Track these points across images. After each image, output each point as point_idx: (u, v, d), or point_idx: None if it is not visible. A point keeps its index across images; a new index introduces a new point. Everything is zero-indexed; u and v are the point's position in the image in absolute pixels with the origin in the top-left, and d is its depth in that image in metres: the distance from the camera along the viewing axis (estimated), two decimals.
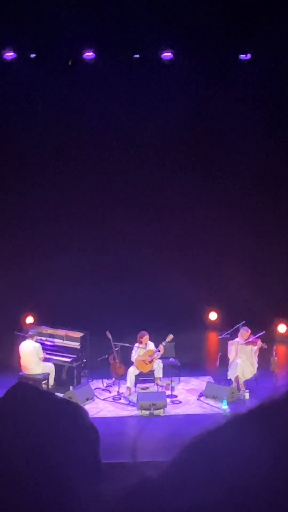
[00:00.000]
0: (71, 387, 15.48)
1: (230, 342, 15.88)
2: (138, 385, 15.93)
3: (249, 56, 18.35)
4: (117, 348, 16.17)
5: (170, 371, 16.30)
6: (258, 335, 15.78)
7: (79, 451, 1.88)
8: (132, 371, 15.71)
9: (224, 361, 16.02)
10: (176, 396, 15.55)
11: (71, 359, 16.17)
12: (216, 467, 1.16)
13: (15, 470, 1.80)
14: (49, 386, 15.60)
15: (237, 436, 1.20)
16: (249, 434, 1.19)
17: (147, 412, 14.59)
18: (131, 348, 15.89)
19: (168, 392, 15.49)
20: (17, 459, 1.80)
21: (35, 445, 1.82)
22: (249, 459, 1.15)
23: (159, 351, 15.75)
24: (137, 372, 15.77)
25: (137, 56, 18.35)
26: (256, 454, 1.15)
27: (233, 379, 15.54)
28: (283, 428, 1.17)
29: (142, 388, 15.92)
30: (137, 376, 15.80)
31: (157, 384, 15.99)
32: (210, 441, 1.22)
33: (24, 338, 15.88)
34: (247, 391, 15.36)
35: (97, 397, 15.59)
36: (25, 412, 1.91)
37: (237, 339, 15.79)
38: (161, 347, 15.74)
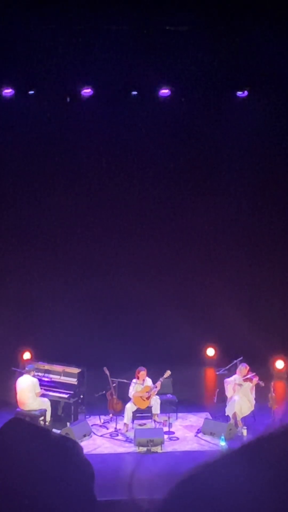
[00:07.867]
0: (68, 423, 15.40)
1: (225, 380, 15.82)
2: (135, 421, 15.84)
3: (246, 93, 18.51)
4: (114, 384, 16.07)
5: (168, 407, 16.20)
6: (254, 373, 15.74)
7: (73, 488, 1.86)
8: (130, 407, 15.62)
9: (222, 397, 15.94)
10: (173, 433, 15.43)
11: (68, 395, 16.07)
12: (211, 501, 1.15)
13: (8, 507, 1.78)
14: (47, 423, 15.50)
15: (232, 470, 1.19)
16: (244, 468, 1.18)
17: (144, 449, 14.47)
18: (129, 384, 15.79)
19: (166, 429, 15.36)
20: (9, 495, 1.79)
21: (28, 482, 1.81)
22: (245, 493, 1.14)
23: (156, 387, 15.68)
24: (134, 408, 15.68)
25: (135, 93, 18.52)
26: (251, 488, 1.15)
27: (231, 416, 15.46)
28: (278, 462, 1.17)
29: (140, 425, 15.82)
30: (134, 412, 15.71)
31: (155, 421, 15.89)
32: (204, 475, 1.21)
33: (21, 374, 15.81)
34: (245, 427, 15.25)
35: (94, 434, 15.47)
36: (19, 448, 1.90)
37: (233, 377, 15.73)
38: (159, 383, 15.68)
